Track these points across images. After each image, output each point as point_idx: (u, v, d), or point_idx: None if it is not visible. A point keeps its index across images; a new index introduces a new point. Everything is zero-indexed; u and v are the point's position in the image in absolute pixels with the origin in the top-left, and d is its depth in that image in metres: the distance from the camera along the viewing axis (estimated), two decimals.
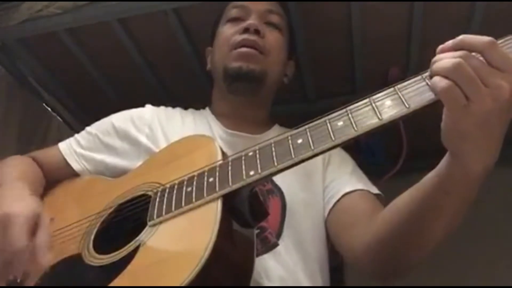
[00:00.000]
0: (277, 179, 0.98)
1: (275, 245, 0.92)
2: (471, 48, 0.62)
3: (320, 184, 1.04)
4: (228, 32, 1.11)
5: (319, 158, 0.95)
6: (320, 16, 1.28)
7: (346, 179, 1.03)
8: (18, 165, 1.03)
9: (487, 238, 1.62)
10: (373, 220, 0.87)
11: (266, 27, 1.11)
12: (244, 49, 1.06)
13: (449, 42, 0.64)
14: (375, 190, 1.02)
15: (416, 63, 1.37)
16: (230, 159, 0.77)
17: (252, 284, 0.73)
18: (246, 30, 1.08)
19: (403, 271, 0.86)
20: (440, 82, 0.61)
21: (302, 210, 0.99)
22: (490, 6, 1.21)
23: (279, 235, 0.94)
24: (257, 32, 1.07)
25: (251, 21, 1.09)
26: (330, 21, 1.30)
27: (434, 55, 0.67)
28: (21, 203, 0.83)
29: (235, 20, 1.13)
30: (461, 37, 0.63)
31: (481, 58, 0.61)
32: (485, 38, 0.61)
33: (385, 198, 1.01)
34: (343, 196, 0.99)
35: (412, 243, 0.79)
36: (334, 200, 1.00)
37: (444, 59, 0.62)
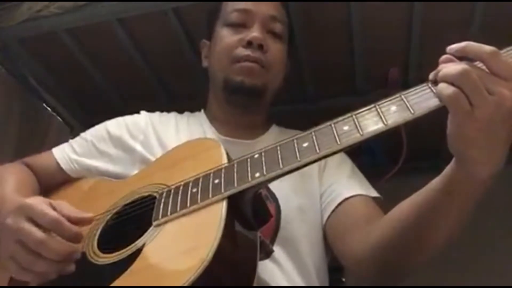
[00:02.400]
0: (272, 184, 0.95)
1: (271, 251, 0.89)
2: (474, 57, 0.63)
3: (317, 188, 1.03)
4: (229, 40, 1.08)
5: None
6: (320, 16, 1.28)
7: (344, 183, 1.02)
8: (14, 177, 1.01)
9: (486, 238, 1.62)
10: (374, 225, 0.87)
11: (268, 37, 1.08)
12: (247, 64, 1.05)
13: (453, 47, 0.65)
14: (374, 193, 1.02)
15: (416, 63, 1.37)
16: (235, 161, 0.77)
17: None
18: (249, 44, 1.05)
19: (404, 275, 0.86)
20: (446, 88, 0.62)
21: (297, 216, 0.98)
22: (490, 6, 1.21)
23: (273, 242, 0.93)
24: (260, 46, 1.05)
25: (255, 33, 1.05)
26: (330, 21, 1.30)
27: (434, 55, 0.68)
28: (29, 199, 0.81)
29: (236, 25, 1.09)
30: (464, 44, 0.64)
31: (483, 67, 0.62)
32: (488, 48, 0.62)
33: (384, 199, 1.01)
34: (342, 202, 0.98)
35: (416, 247, 0.79)
36: (333, 206, 0.99)
37: (450, 66, 0.63)
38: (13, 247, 0.75)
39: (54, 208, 0.79)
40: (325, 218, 0.99)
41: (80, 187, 1.07)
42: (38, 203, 0.77)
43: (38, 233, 0.74)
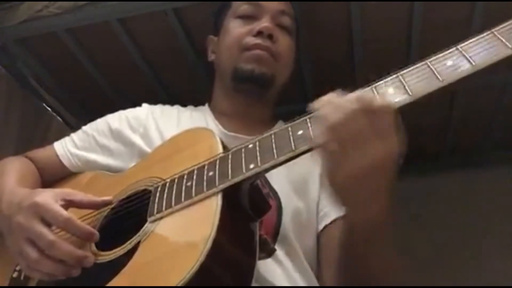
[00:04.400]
0: (274, 183, 0.95)
1: (273, 250, 0.88)
2: (365, 107, 0.64)
3: (316, 193, 1.01)
4: (239, 30, 1.09)
5: (317, 162, 0.93)
6: (320, 16, 1.28)
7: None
8: (15, 169, 1.02)
9: (481, 239, 1.63)
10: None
11: (278, 30, 1.09)
12: (257, 52, 1.05)
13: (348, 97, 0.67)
14: None
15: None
16: (230, 152, 0.76)
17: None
18: (259, 33, 1.06)
19: None
20: (320, 136, 0.64)
21: (296, 218, 0.96)
22: (490, 6, 1.21)
23: (274, 240, 0.92)
24: (270, 36, 1.06)
25: (265, 24, 1.07)
26: (330, 21, 1.30)
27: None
28: (37, 194, 0.81)
29: (246, 18, 1.11)
30: (357, 95, 0.66)
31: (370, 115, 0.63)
32: (378, 103, 0.64)
33: None
34: (332, 221, 0.97)
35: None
36: (322, 225, 0.97)
37: (332, 109, 0.65)
38: (23, 245, 0.76)
39: (66, 200, 0.80)
40: (319, 229, 0.98)
41: (79, 182, 1.06)
42: (51, 202, 0.77)
43: (50, 235, 0.75)
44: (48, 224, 0.76)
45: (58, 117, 1.58)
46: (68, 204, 0.81)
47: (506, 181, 1.66)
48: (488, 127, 1.65)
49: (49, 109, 1.55)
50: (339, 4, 1.25)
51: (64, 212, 0.76)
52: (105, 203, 0.86)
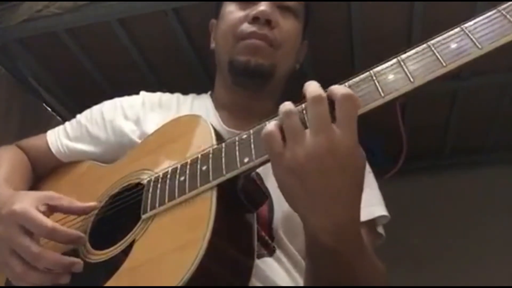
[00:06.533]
0: (269, 184, 0.89)
1: (273, 250, 0.87)
2: (331, 95, 0.61)
3: None
4: (235, 16, 1.01)
5: None
6: (320, 15, 1.28)
7: None
8: (5, 162, 1.00)
9: (482, 238, 1.63)
10: None
11: (279, 12, 1.00)
12: (252, 41, 0.97)
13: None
14: (374, 214, 0.94)
15: None
16: (224, 144, 0.73)
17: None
18: (255, 19, 0.97)
19: None
20: (266, 128, 0.62)
21: (287, 221, 0.91)
22: (490, 6, 1.21)
23: (271, 239, 0.89)
24: (268, 22, 0.97)
25: (262, 7, 0.97)
26: (330, 21, 1.30)
27: None
28: (16, 201, 0.78)
29: (243, 0, 1.02)
30: (330, 89, 0.63)
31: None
32: (346, 92, 0.60)
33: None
34: None
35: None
36: None
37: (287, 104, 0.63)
38: (7, 256, 0.74)
39: (48, 205, 0.78)
40: None
41: (70, 173, 1.05)
42: (30, 211, 0.74)
43: (33, 246, 0.72)
44: (30, 233, 0.74)
45: (58, 117, 1.58)
46: (51, 209, 0.79)
47: (506, 181, 1.66)
48: (488, 127, 1.65)
49: (48, 108, 1.55)
50: (339, 4, 1.25)
51: (46, 222, 0.73)
52: (91, 209, 0.83)
